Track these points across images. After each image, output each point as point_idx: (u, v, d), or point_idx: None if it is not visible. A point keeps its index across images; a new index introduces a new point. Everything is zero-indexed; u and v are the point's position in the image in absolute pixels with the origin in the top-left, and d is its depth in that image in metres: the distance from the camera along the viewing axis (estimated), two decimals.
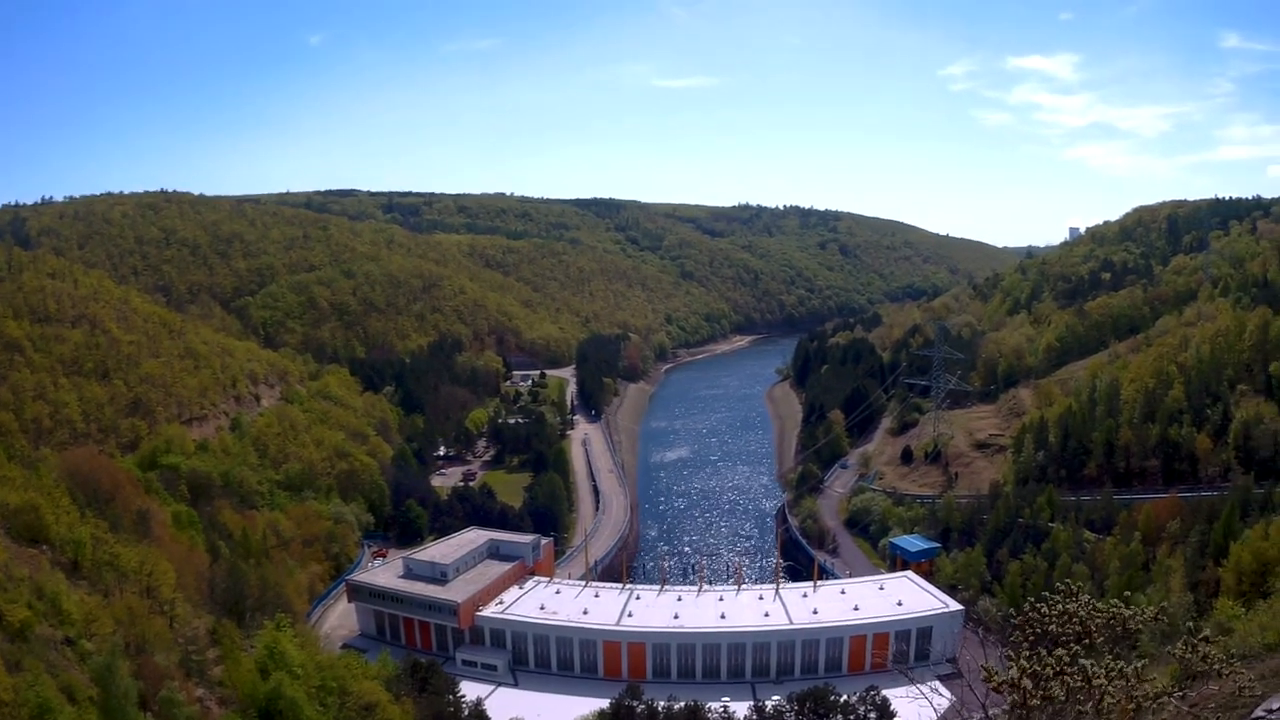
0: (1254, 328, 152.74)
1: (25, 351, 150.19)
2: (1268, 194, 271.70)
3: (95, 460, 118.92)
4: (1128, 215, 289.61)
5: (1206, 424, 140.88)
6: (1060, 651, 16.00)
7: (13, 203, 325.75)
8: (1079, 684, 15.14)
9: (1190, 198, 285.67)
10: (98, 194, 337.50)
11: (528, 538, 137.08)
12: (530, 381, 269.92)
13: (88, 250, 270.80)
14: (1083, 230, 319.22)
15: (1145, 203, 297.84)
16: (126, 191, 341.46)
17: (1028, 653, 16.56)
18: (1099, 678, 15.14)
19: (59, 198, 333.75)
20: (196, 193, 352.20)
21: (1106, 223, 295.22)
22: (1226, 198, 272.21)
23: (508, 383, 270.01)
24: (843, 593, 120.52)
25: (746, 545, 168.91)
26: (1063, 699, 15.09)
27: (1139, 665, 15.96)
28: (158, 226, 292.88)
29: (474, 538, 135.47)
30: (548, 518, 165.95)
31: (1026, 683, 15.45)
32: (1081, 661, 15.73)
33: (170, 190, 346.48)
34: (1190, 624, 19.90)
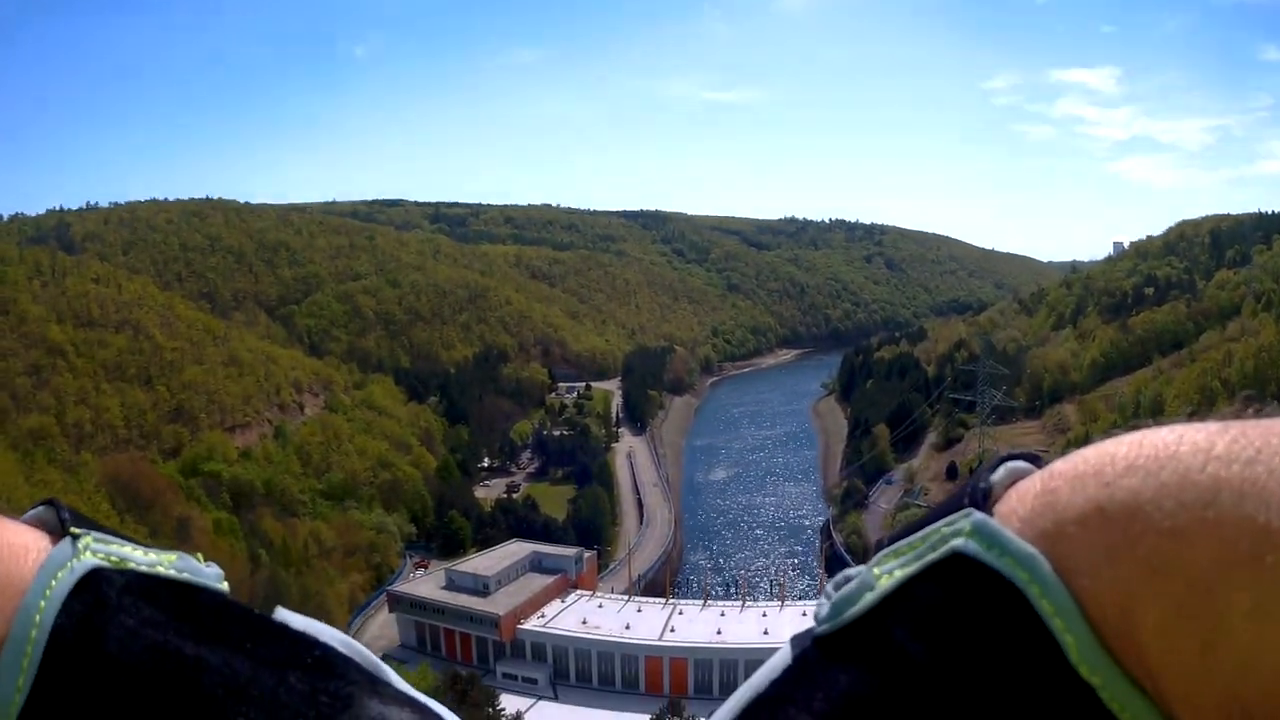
0: None
1: (68, 356, 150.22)
2: None
3: (136, 466, 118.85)
4: (1171, 230, 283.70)
5: None
6: None
7: (57, 207, 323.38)
8: None
9: (1233, 211, 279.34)
10: (143, 200, 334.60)
11: (571, 551, 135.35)
12: (575, 393, 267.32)
13: (132, 256, 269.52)
14: (1126, 245, 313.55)
15: (1188, 216, 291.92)
16: (171, 198, 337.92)
17: None
18: None
19: (104, 203, 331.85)
20: (242, 200, 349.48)
21: (1150, 237, 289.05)
22: (1269, 211, 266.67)
23: (553, 394, 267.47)
24: None
25: (790, 561, 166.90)
26: None
27: None
28: (202, 234, 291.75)
29: (516, 550, 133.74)
30: (591, 531, 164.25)
31: None
32: None
33: (215, 198, 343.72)
34: None
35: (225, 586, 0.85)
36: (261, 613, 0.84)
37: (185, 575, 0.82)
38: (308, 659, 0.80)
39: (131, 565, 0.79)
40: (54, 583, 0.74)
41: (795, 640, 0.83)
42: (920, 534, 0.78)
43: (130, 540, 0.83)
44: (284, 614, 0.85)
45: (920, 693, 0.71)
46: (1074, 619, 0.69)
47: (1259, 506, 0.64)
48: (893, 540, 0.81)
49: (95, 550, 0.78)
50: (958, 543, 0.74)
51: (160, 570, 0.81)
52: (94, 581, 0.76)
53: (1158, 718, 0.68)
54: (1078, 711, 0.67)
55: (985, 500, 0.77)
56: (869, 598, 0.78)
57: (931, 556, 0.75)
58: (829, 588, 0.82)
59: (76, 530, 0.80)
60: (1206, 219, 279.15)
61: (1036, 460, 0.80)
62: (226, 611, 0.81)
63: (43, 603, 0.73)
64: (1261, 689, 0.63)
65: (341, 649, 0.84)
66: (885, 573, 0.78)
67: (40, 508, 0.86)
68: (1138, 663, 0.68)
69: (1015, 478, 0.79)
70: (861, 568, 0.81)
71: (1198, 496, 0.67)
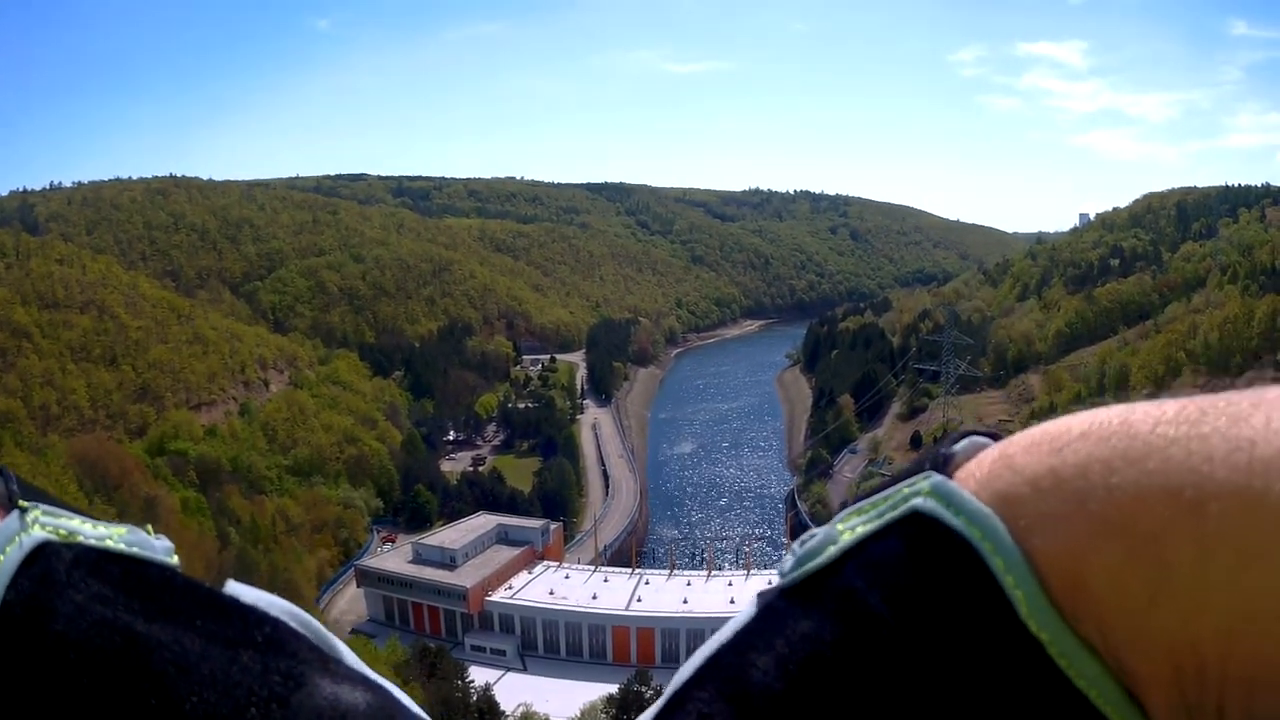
0: (1262, 315, 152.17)
1: (33, 338, 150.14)
2: (1277, 181, 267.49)
3: (103, 447, 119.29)
4: (1137, 202, 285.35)
5: None
6: None
7: (20, 188, 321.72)
8: None
9: (1199, 184, 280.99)
10: (106, 179, 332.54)
11: (537, 522, 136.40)
12: (540, 366, 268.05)
13: (96, 236, 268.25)
14: (1092, 216, 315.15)
15: (1154, 189, 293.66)
16: (135, 177, 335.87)
17: None
18: None
19: (67, 183, 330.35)
20: (205, 177, 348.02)
21: (1116, 209, 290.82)
22: (1236, 185, 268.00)
23: (518, 367, 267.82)
24: None
25: (756, 531, 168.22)
26: None
27: None
28: (166, 211, 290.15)
29: (483, 522, 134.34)
30: (557, 502, 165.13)
31: None
32: None
33: (179, 175, 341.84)
34: None
35: (175, 560, 0.84)
36: (211, 586, 0.83)
37: (134, 549, 0.80)
38: (259, 636, 0.78)
39: (80, 539, 0.78)
40: (1, 558, 0.73)
41: (761, 595, 0.88)
42: (883, 494, 0.81)
43: (79, 513, 0.82)
44: (234, 587, 0.84)
45: (878, 639, 0.73)
46: (1024, 576, 0.70)
47: (1203, 459, 0.66)
48: (857, 500, 0.83)
49: (44, 524, 0.77)
50: (917, 501, 0.77)
51: (109, 544, 0.79)
52: (42, 556, 0.75)
53: (1103, 673, 0.70)
54: (1026, 666, 0.70)
55: (946, 465, 0.80)
56: (831, 550, 0.80)
57: (892, 515, 0.78)
58: (795, 545, 0.85)
59: (25, 504, 0.78)
60: (1172, 191, 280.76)
61: (996, 438, 0.84)
62: (176, 586, 0.80)
63: None
64: (1210, 629, 0.65)
65: (292, 623, 0.83)
66: (848, 529, 0.80)
67: None
68: (1089, 616, 0.70)
69: (975, 450, 0.82)
70: (825, 526, 0.83)
71: (1146, 454, 0.69)
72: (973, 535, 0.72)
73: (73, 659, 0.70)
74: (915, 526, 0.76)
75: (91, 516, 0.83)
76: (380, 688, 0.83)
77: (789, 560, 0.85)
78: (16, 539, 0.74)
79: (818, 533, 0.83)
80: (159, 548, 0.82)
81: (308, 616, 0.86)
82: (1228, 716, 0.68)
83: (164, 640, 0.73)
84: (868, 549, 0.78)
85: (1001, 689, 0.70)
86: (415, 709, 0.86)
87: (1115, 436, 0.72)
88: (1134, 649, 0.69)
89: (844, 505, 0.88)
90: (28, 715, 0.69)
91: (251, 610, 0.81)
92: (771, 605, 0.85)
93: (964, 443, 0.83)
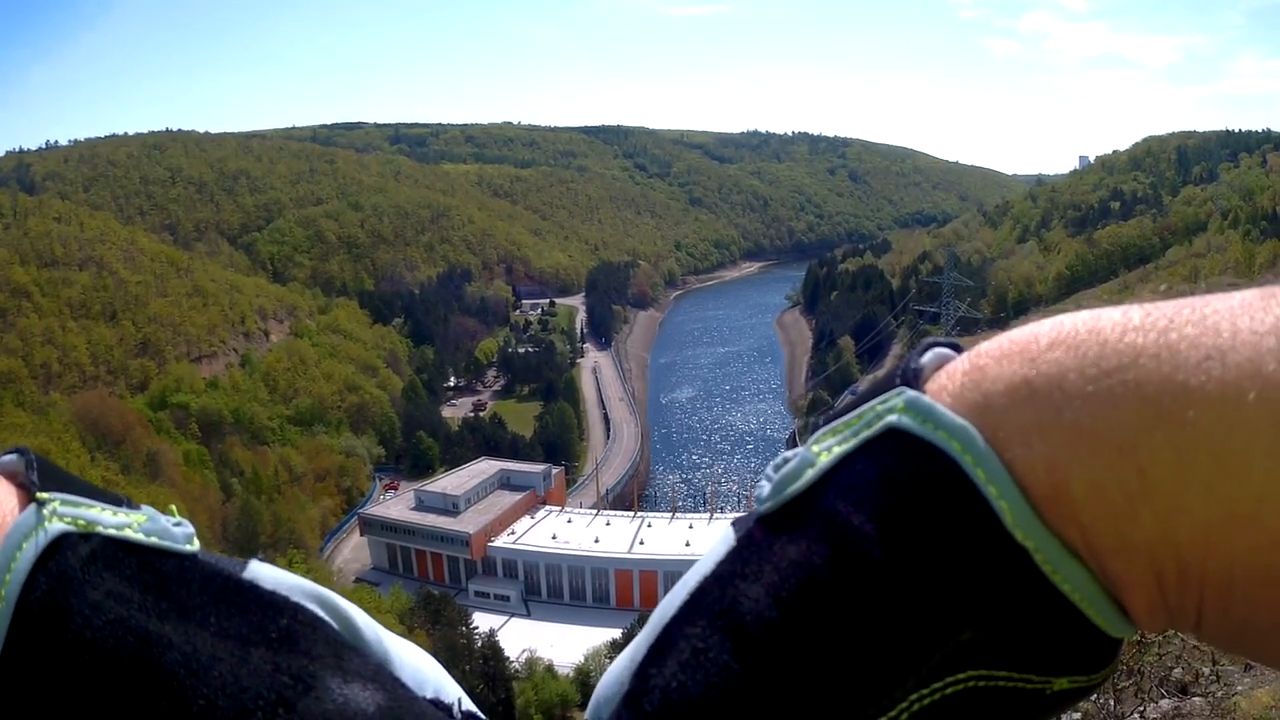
0: (1263, 260, 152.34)
1: (33, 297, 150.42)
2: (1278, 127, 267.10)
3: (105, 403, 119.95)
4: (1137, 145, 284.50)
5: None
6: None
7: (16, 148, 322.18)
8: None
9: (1200, 129, 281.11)
10: (102, 136, 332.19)
11: (539, 467, 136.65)
12: (540, 310, 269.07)
13: (93, 192, 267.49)
14: (1092, 159, 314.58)
15: (1155, 133, 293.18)
16: (131, 132, 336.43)
17: None
18: None
19: (64, 141, 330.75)
20: (202, 130, 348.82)
21: (1116, 152, 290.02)
22: (1236, 130, 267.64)
23: (517, 312, 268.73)
24: None
25: (757, 473, 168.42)
26: None
27: None
28: (163, 166, 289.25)
29: (485, 468, 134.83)
30: (558, 447, 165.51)
31: None
32: None
33: (175, 129, 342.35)
34: None
35: (195, 546, 0.81)
36: (230, 573, 0.81)
37: (153, 539, 0.79)
38: (274, 631, 0.78)
39: (99, 529, 0.77)
40: (18, 554, 0.72)
41: (737, 523, 0.84)
42: (856, 413, 0.80)
43: (99, 498, 0.80)
44: (255, 570, 0.82)
45: (869, 560, 0.73)
46: (1007, 486, 0.71)
47: (1176, 367, 0.67)
48: (828, 421, 0.82)
49: (62, 514, 0.76)
50: (892, 419, 0.76)
51: (129, 534, 0.78)
52: (60, 550, 0.74)
53: (1087, 577, 0.71)
54: (1013, 575, 0.71)
55: (916, 380, 0.80)
56: (810, 474, 0.79)
57: (868, 433, 0.77)
58: (769, 469, 0.83)
59: (43, 496, 0.76)
60: (1173, 135, 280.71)
61: (958, 348, 0.85)
62: (193, 578, 0.79)
63: (8, 576, 0.72)
64: (1190, 533, 0.66)
65: (313, 606, 0.82)
66: (824, 450, 0.80)
67: (11, 456, 0.83)
68: (1071, 523, 0.71)
69: (942, 361, 0.83)
70: (799, 449, 0.82)
71: (1119, 363, 0.70)
72: (952, 449, 0.73)
73: (87, 660, 0.71)
74: (893, 443, 0.76)
75: (113, 500, 0.81)
76: (394, 684, 0.82)
77: (765, 486, 0.82)
78: (34, 534, 0.74)
79: (792, 456, 0.82)
80: (179, 535, 0.81)
81: (331, 596, 0.85)
82: (1206, 617, 0.70)
83: (176, 640, 0.73)
84: (847, 470, 0.77)
85: (991, 597, 0.71)
86: (432, 698, 0.87)
87: (1085, 345, 0.72)
88: (1116, 553, 0.70)
89: (815, 425, 0.83)
90: (45, 716, 0.70)
91: (270, 599, 0.80)
92: (752, 534, 0.81)
93: (929, 355, 0.84)
